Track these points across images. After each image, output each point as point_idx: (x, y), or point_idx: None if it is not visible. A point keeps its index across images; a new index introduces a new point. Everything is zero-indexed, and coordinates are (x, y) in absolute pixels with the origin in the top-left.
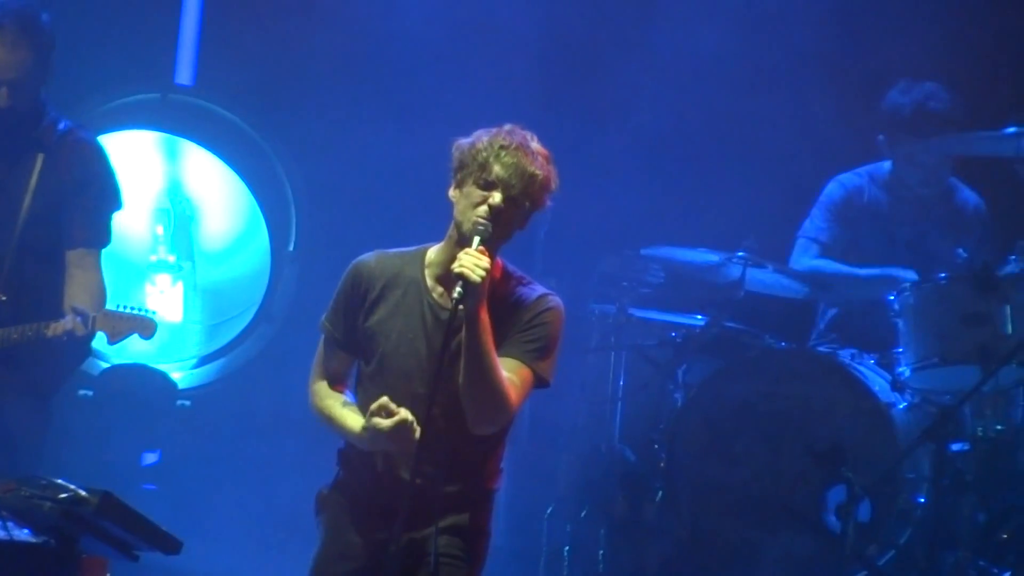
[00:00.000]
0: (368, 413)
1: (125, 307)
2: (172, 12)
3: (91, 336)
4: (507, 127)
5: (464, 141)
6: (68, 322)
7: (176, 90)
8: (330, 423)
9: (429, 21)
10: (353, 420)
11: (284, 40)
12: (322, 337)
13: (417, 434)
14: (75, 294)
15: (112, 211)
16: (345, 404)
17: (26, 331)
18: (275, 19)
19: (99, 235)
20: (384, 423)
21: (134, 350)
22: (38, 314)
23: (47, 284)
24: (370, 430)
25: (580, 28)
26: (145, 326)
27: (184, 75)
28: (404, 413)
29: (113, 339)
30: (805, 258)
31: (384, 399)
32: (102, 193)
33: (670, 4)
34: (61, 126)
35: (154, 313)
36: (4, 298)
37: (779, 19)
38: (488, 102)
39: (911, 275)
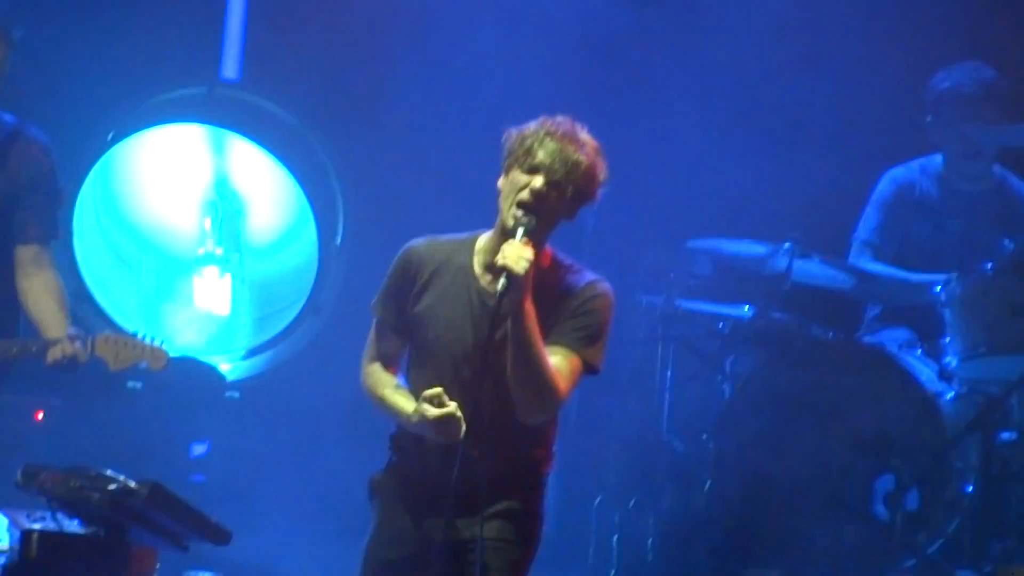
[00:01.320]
0: (420, 398)
1: (133, 333)
2: (218, 6)
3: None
4: (559, 117)
5: (514, 129)
6: (68, 347)
7: (222, 84)
8: (381, 404)
9: (477, 11)
10: (403, 402)
11: (330, 33)
12: (374, 320)
13: (463, 429)
14: (39, 296)
15: (59, 208)
16: (397, 387)
17: (29, 346)
18: (321, 12)
19: (52, 231)
20: (432, 411)
21: (183, 342)
22: (13, 320)
23: (5, 285)
24: (418, 416)
25: (626, 20)
26: (156, 356)
27: (230, 69)
28: (453, 407)
29: (116, 366)
30: (860, 263)
31: (439, 390)
32: (52, 190)
33: None
34: (8, 124)
35: (165, 342)
36: None
37: (830, 6)
38: (535, 93)
39: None
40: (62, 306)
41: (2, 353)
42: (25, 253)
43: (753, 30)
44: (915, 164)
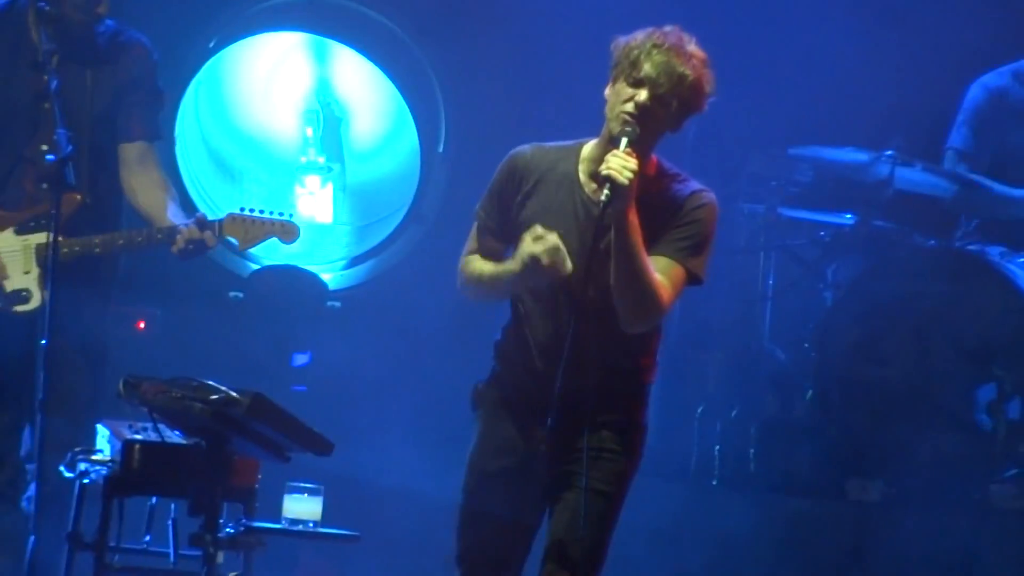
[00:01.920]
0: (524, 237)
1: (259, 211)
2: None
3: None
4: (667, 28)
5: (622, 39)
6: (195, 231)
7: None
8: (480, 280)
9: None
10: (504, 265)
11: None
12: (475, 224)
13: (568, 264)
14: (149, 191)
15: (161, 109)
16: (496, 262)
17: (134, 236)
18: None
19: (157, 129)
20: (537, 247)
21: (283, 252)
22: (116, 219)
23: (115, 187)
24: (521, 261)
25: None
26: (286, 230)
27: None
28: (554, 237)
29: (244, 245)
30: (962, 172)
31: (538, 228)
32: (155, 90)
33: None
34: (109, 26)
35: (292, 216)
36: (88, 201)
37: None
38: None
39: None
40: (174, 198)
41: (128, 241)
42: (131, 151)
43: None
44: (1006, 70)
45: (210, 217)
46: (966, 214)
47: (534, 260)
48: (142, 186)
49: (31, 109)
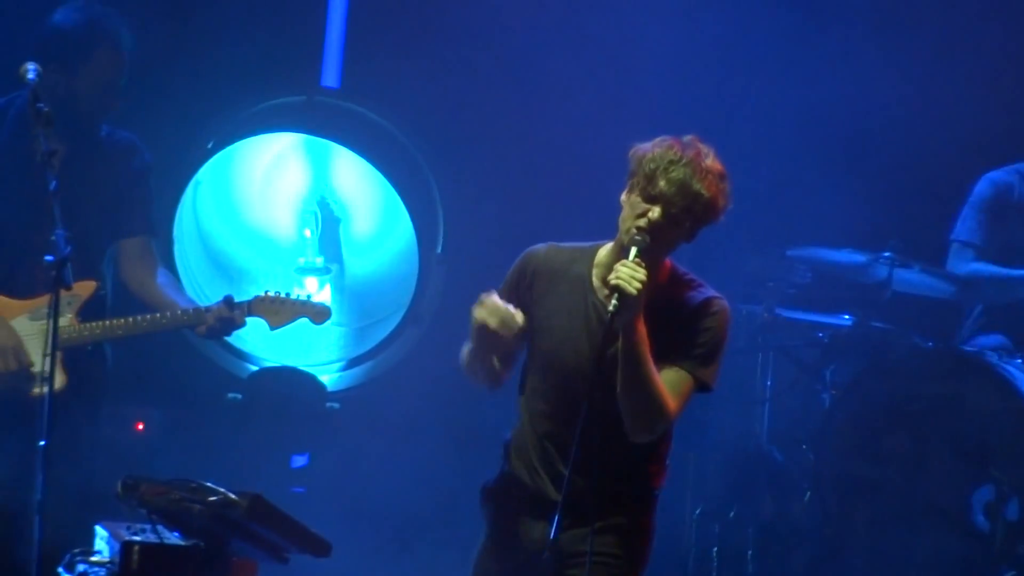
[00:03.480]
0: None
1: (287, 293)
2: (318, 15)
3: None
4: (686, 139)
5: (641, 148)
6: (224, 310)
7: (322, 92)
8: (467, 359)
9: (579, 19)
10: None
11: (430, 42)
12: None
13: (518, 318)
14: (155, 281)
15: (153, 206)
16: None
17: (158, 319)
18: (421, 20)
19: (155, 224)
20: (480, 312)
21: (283, 351)
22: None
23: (107, 281)
24: (473, 326)
25: (722, 30)
26: (317, 311)
27: (330, 77)
28: (493, 298)
29: (275, 324)
30: (961, 263)
31: (481, 294)
32: (149, 187)
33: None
34: (105, 128)
35: (322, 301)
36: (102, 290)
37: (925, 7)
38: (639, 105)
39: None
40: (181, 286)
41: (152, 323)
42: (132, 246)
43: (850, 34)
44: (1013, 168)
45: (237, 299)
46: (969, 303)
47: (481, 326)
48: (149, 278)
49: (38, 201)
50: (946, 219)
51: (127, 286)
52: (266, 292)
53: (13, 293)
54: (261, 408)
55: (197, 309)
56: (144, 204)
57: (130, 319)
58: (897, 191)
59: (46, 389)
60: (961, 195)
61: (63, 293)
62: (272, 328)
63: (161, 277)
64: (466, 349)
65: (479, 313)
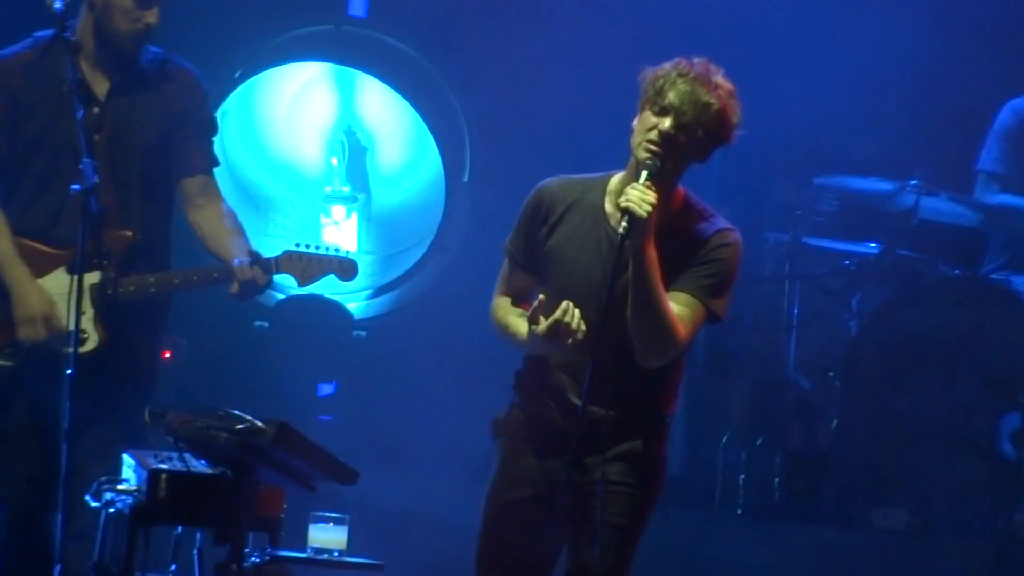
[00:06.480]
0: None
1: (316, 247)
2: None
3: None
4: (695, 59)
5: (649, 69)
6: (248, 271)
7: (350, 21)
8: (505, 332)
9: None
10: (523, 326)
11: None
12: (505, 260)
13: (580, 333)
14: (217, 226)
15: (214, 135)
16: (521, 315)
17: (190, 275)
18: None
19: (214, 159)
20: (539, 328)
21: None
22: (166, 256)
23: (166, 223)
24: (531, 334)
25: None
26: (344, 267)
27: (358, 7)
28: (557, 313)
29: (303, 282)
30: (988, 195)
31: (541, 298)
32: (209, 117)
33: None
34: (156, 54)
35: (349, 253)
36: (140, 238)
37: None
38: (667, 31)
39: None
40: (239, 230)
41: (184, 280)
42: (193, 185)
43: None
44: None
45: (265, 255)
46: (996, 237)
47: (541, 337)
48: (206, 219)
49: (76, 144)
50: (972, 147)
51: (193, 230)
52: (295, 246)
53: (52, 243)
54: (287, 336)
55: (228, 268)
56: (200, 139)
57: (162, 275)
58: (923, 119)
59: (80, 348)
60: (987, 122)
61: (93, 247)
62: (300, 286)
63: (217, 218)
64: (499, 314)
65: (538, 329)
